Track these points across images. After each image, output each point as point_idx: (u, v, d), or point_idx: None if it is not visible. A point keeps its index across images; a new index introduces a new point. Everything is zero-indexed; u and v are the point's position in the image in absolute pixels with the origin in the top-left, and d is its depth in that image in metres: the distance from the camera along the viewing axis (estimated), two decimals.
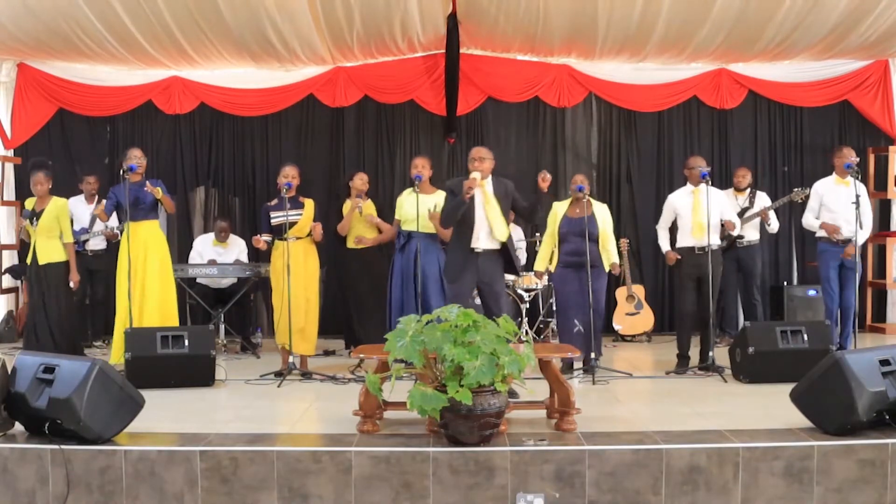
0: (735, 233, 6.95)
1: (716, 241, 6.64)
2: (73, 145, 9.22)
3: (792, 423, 4.63)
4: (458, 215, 5.81)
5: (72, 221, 7.33)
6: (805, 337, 6.10)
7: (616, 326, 8.54)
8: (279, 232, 6.75)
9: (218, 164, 9.30)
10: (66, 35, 7.98)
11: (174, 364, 6.12)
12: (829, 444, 4.28)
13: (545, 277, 7.52)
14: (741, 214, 8.04)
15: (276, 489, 4.19)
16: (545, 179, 5.80)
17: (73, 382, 4.29)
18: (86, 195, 8.44)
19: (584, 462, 4.19)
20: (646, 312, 8.53)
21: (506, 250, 5.90)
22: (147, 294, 6.86)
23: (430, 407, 4.05)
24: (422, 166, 6.81)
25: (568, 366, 6.66)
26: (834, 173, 7.33)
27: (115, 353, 6.65)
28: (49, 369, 4.39)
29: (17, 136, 9.05)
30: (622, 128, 9.34)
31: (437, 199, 6.67)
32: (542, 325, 8.32)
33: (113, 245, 8.00)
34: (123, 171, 6.73)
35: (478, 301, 6.05)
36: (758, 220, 8.12)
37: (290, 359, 6.53)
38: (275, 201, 6.85)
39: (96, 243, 8.28)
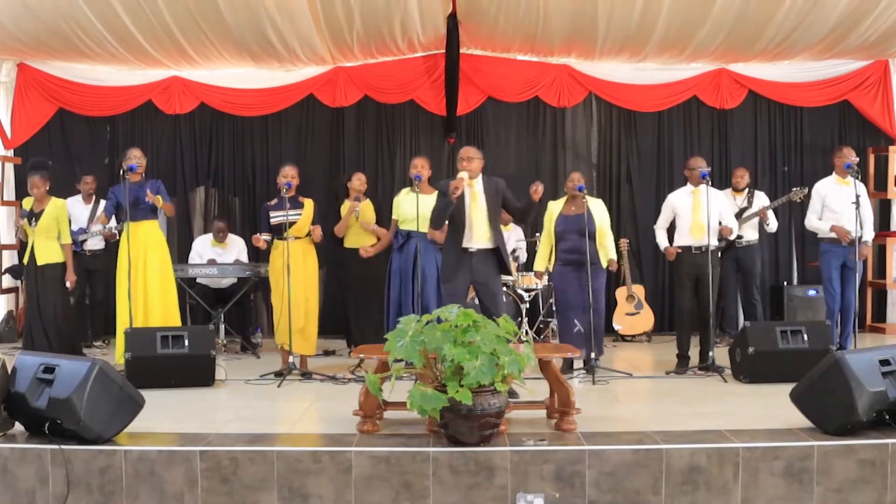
0: (732, 236, 6.94)
1: (713, 243, 6.64)
2: (72, 145, 9.21)
3: (792, 423, 4.63)
4: (447, 215, 5.80)
5: (70, 222, 7.34)
6: (805, 337, 6.10)
7: (616, 326, 8.54)
8: (278, 231, 6.75)
9: (218, 164, 9.30)
10: (66, 35, 7.98)
11: (174, 364, 6.12)
12: (829, 444, 4.28)
13: (545, 277, 7.52)
14: (740, 214, 8.05)
15: (276, 489, 4.19)
16: (537, 191, 5.80)
17: (73, 382, 4.29)
18: (83, 195, 8.43)
19: (584, 462, 4.19)
20: (646, 312, 8.53)
21: (497, 250, 5.88)
22: (149, 295, 6.87)
23: (430, 407, 4.05)
24: (421, 166, 6.81)
25: (568, 366, 6.66)
26: (834, 173, 7.34)
27: (119, 354, 6.66)
28: (49, 369, 4.39)
29: (17, 136, 9.05)
30: (622, 128, 9.34)
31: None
32: (542, 325, 8.32)
33: (111, 245, 8.00)
34: (123, 171, 6.74)
35: (476, 302, 6.05)
36: (756, 219, 8.13)
37: (290, 359, 6.53)
38: (275, 201, 6.86)
39: (95, 243, 8.28)
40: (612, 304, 8.40)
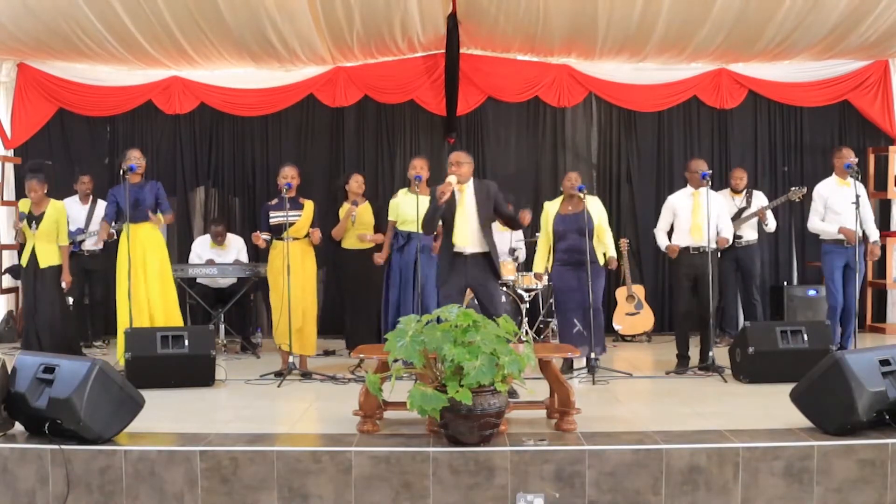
0: (726, 245, 6.93)
1: (711, 245, 6.63)
2: (72, 145, 9.21)
3: (792, 423, 4.63)
4: (437, 219, 5.80)
5: (67, 222, 7.34)
6: (805, 337, 6.10)
7: (616, 326, 8.54)
8: (277, 231, 6.75)
9: (218, 164, 9.29)
10: (66, 35, 7.98)
11: (174, 364, 6.12)
12: (829, 444, 4.28)
13: (545, 278, 7.51)
14: (739, 215, 8.05)
15: (276, 489, 4.19)
16: (525, 219, 5.77)
17: (73, 382, 4.30)
18: (80, 195, 8.41)
19: (584, 462, 4.20)
20: (646, 312, 8.53)
21: (489, 255, 5.82)
22: (151, 296, 6.87)
23: (430, 407, 4.05)
24: (420, 167, 6.81)
25: (568, 366, 6.66)
26: (834, 174, 7.34)
27: (119, 354, 6.65)
28: (49, 369, 4.40)
29: (17, 136, 9.05)
30: (622, 128, 9.33)
31: None
32: (542, 325, 8.32)
33: (110, 245, 7.97)
34: (123, 172, 6.74)
35: (476, 303, 6.04)
36: (756, 219, 8.12)
37: (290, 359, 6.53)
38: (275, 201, 6.86)
39: (93, 243, 8.28)
40: (612, 304, 8.40)
